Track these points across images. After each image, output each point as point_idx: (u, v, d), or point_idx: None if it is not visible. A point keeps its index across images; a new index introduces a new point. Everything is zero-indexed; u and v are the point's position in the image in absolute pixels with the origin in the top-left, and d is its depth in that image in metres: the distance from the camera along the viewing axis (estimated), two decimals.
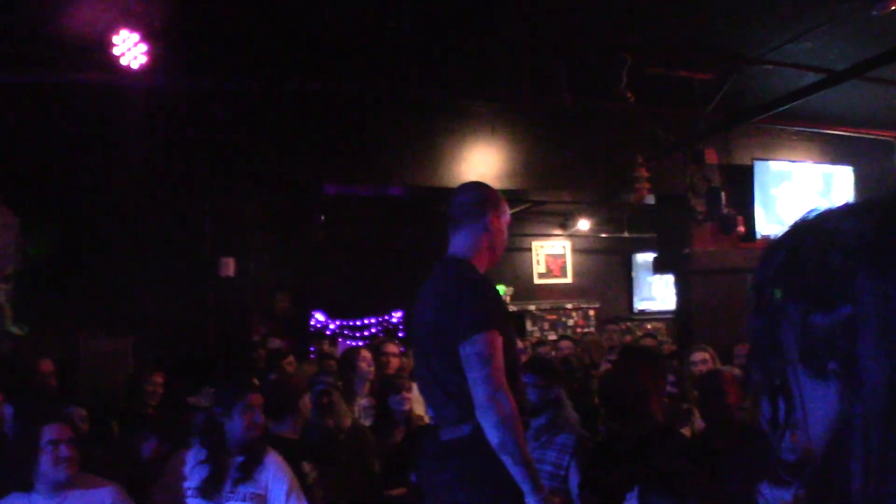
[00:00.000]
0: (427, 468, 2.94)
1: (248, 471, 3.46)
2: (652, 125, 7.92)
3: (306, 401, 4.70)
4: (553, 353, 7.73)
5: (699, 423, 4.31)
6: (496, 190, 3.14)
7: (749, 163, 8.80)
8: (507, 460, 2.59)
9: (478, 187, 3.11)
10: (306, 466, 3.97)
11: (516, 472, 2.59)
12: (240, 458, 3.52)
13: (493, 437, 2.59)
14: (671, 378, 4.38)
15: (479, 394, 2.62)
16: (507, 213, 3.10)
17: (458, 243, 2.97)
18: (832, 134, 9.12)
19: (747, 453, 3.05)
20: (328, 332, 12.79)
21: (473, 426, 2.68)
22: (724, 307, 8.50)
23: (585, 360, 7.41)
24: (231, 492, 3.44)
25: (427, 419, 4.86)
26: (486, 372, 2.62)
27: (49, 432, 3.11)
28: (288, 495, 3.48)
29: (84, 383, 6.41)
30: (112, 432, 5.34)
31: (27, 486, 3.10)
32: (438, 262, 3.01)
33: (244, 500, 3.43)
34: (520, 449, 2.60)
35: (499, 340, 2.70)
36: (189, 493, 3.48)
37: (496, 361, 2.65)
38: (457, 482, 2.74)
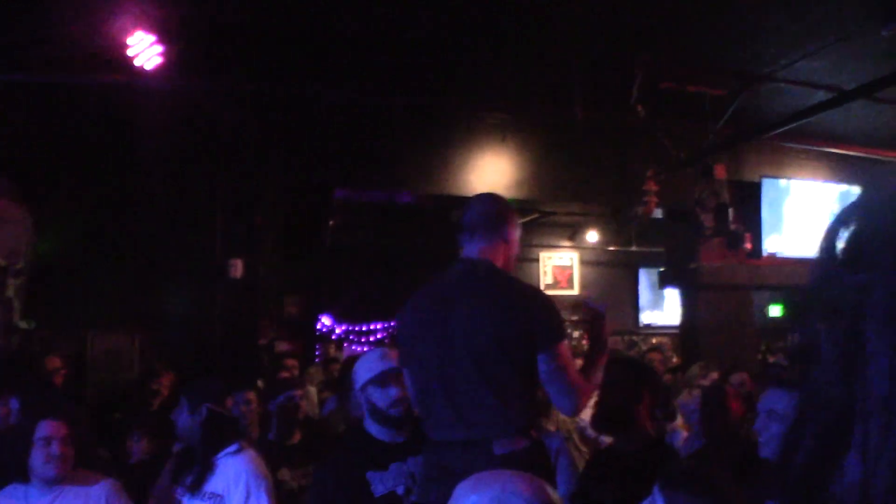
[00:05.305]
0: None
1: (200, 475, 3.41)
2: (662, 139, 7.94)
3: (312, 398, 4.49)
4: None
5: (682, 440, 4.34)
6: (510, 202, 3.06)
7: (758, 180, 8.80)
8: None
9: (496, 199, 3.02)
10: (285, 473, 3.82)
11: None
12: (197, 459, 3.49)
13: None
14: None
15: (566, 404, 2.71)
16: (519, 227, 3.00)
17: (476, 251, 2.80)
18: (842, 153, 9.11)
19: (753, 471, 2.99)
20: (334, 336, 12.85)
21: (530, 439, 2.60)
22: (729, 322, 8.51)
23: None
24: (194, 490, 3.40)
25: None
26: (569, 383, 2.64)
27: (43, 429, 3.10)
28: (246, 499, 3.34)
29: (91, 381, 6.46)
30: (115, 430, 5.39)
31: (25, 478, 3.13)
32: (469, 263, 2.80)
33: (204, 498, 3.38)
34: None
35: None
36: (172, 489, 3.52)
37: (574, 366, 2.69)
38: None
